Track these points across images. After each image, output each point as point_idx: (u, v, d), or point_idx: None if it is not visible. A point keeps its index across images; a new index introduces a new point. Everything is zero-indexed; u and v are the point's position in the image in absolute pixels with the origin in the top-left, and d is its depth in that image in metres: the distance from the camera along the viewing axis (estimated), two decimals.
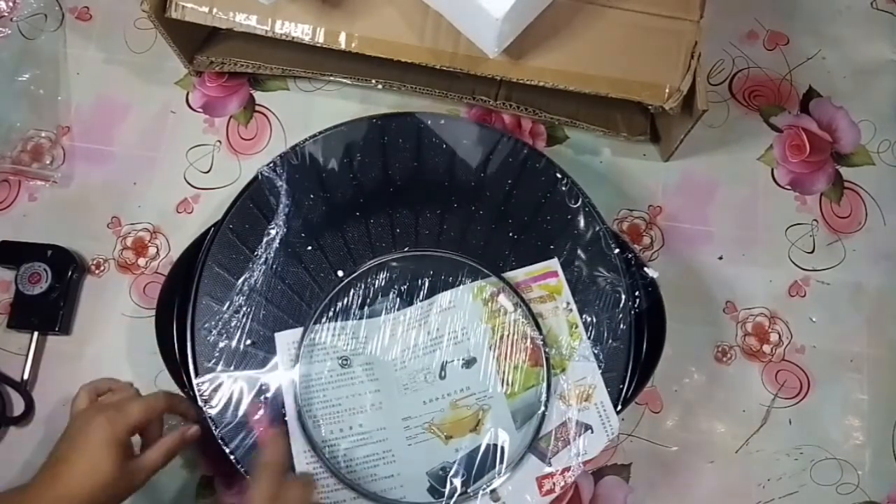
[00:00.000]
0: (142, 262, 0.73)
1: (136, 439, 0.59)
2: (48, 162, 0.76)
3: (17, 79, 0.78)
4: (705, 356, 0.73)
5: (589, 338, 0.63)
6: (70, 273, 0.71)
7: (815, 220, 0.77)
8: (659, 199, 0.77)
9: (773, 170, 0.79)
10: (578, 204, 0.66)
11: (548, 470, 0.60)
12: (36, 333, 0.70)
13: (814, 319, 0.75)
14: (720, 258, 0.76)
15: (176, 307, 0.65)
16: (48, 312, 0.70)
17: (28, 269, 0.70)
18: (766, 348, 0.74)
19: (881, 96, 0.81)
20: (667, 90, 0.66)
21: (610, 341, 0.63)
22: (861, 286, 0.76)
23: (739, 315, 0.74)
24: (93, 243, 0.74)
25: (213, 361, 0.62)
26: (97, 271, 0.73)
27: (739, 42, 0.82)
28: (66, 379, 0.70)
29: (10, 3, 0.80)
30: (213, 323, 0.62)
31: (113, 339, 0.71)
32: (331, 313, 0.63)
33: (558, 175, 0.67)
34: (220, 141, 0.77)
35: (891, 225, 0.77)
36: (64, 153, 0.76)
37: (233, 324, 0.62)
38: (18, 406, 0.70)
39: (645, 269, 0.65)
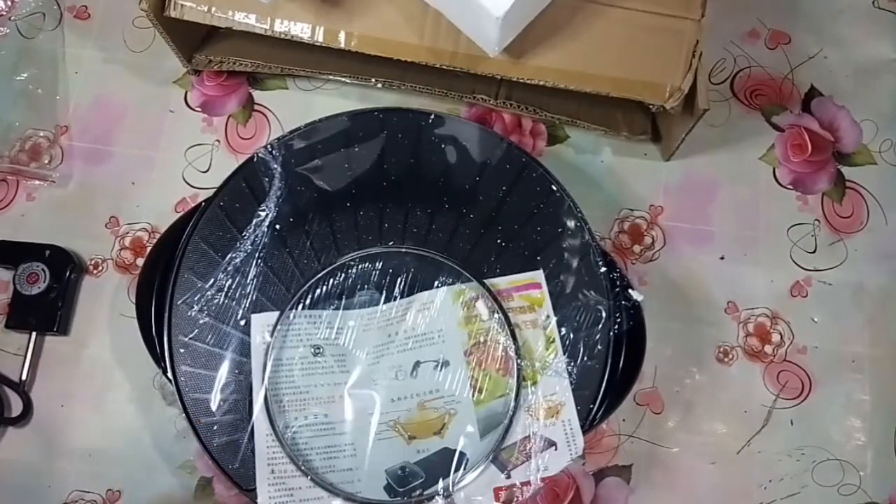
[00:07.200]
0: (140, 262, 0.73)
1: None
2: (46, 161, 0.76)
3: (15, 78, 0.77)
4: (706, 357, 0.73)
5: (565, 354, 0.62)
6: (68, 273, 0.71)
7: (816, 219, 0.77)
8: (660, 199, 0.77)
9: (774, 169, 0.78)
10: (571, 218, 0.65)
11: (506, 482, 0.59)
12: (34, 334, 0.70)
13: (815, 320, 0.74)
14: (721, 258, 0.76)
15: (157, 279, 0.64)
16: (46, 313, 0.70)
17: (26, 269, 0.70)
18: (768, 349, 0.73)
19: (883, 95, 0.81)
20: (668, 89, 0.66)
21: (586, 359, 0.62)
22: (863, 286, 0.75)
23: (741, 315, 0.74)
24: (91, 243, 0.73)
25: (189, 336, 0.62)
26: (95, 271, 0.73)
27: (741, 41, 0.82)
28: (64, 380, 0.70)
29: (9, 2, 0.80)
30: (194, 298, 0.62)
31: (111, 339, 0.71)
32: (309, 300, 0.63)
33: (554, 187, 0.66)
34: (218, 140, 0.77)
35: (893, 225, 0.77)
36: (62, 152, 0.76)
37: (214, 301, 0.62)
38: (16, 407, 0.69)
39: (630, 291, 0.64)
